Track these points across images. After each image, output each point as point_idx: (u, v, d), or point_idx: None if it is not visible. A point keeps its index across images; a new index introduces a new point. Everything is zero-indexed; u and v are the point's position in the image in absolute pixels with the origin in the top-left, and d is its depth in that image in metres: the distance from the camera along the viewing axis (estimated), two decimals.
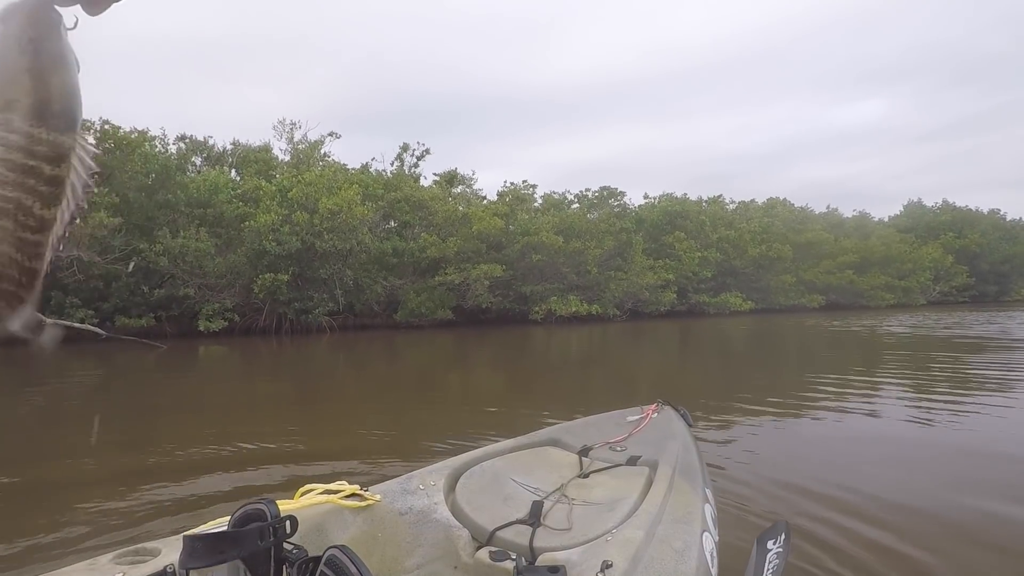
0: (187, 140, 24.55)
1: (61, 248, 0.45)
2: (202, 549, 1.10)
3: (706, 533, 1.60)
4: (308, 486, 1.55)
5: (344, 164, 26.02)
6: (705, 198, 35.52)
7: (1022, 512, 2.97)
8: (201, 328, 17.76)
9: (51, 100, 0.40)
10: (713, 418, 5.13)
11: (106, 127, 17.80)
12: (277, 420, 5.74)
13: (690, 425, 2.42)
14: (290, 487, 3.28)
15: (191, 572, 1.13)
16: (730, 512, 2.76)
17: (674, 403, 2.57)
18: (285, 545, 1.19)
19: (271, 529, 1.17)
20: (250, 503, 1.22)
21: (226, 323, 18.41)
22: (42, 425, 5.74)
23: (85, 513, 2.75)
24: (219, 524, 1.32)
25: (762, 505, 3.00)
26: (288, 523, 1.20)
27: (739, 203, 39.81)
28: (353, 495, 1.58)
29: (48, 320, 0.46)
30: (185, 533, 1.15)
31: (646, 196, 34.92)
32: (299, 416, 6.03)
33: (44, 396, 7.67)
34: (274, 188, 20.03)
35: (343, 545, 1.14)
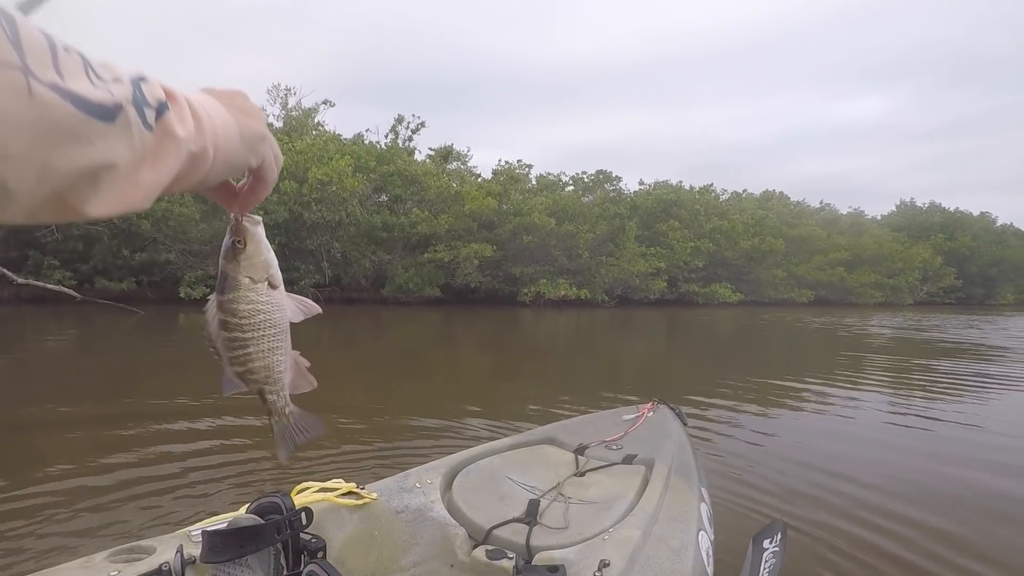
0: None
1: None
2: (222, 545, 1.13)
3: (702, 532, 1.63)
4: (304, 484, 1.55)
5: (338, 134, 25.58)
6: (697, 187, 35.61)
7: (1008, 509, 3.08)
8: (182, 295, 17.57)
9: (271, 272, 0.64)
10: (706, 415, 5.20)
11: None
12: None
13: (685, 424, 2.46)
14: (279, 476, 3.29)
15: (209, 567, 1.15)
16: (726, 511, 2.82)
17: (669, 402, 2.61)
18: (303, 536, 1.23)
19: (287, 522, 1.20)
20: (264, 497, 1.24)
21: (208, 291, 18.10)
22: (24, 403, 5.67)
23: (77, 510, 2.72)
24: (224, 519, 1.32)
25: (758, 504, 3.07)
26: (304, 515, 1.24)
27: (731, 193, 39.96)
28: (349, 493, 1.58)
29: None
30: (205, 528, 1.17)
31: (641, 182, 34.95)
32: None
33: (22, 361, 7.56)
34: None
35: (323, 560, 1.17)
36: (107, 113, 0.30)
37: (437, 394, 6.27)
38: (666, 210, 29.78)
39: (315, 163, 19.36)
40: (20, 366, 7.20)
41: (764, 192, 42.40)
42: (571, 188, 31.11)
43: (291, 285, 19.31)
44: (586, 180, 32.25)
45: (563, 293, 23.16)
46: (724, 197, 38.54)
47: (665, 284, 27.12)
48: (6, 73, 0.25)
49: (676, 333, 16.33)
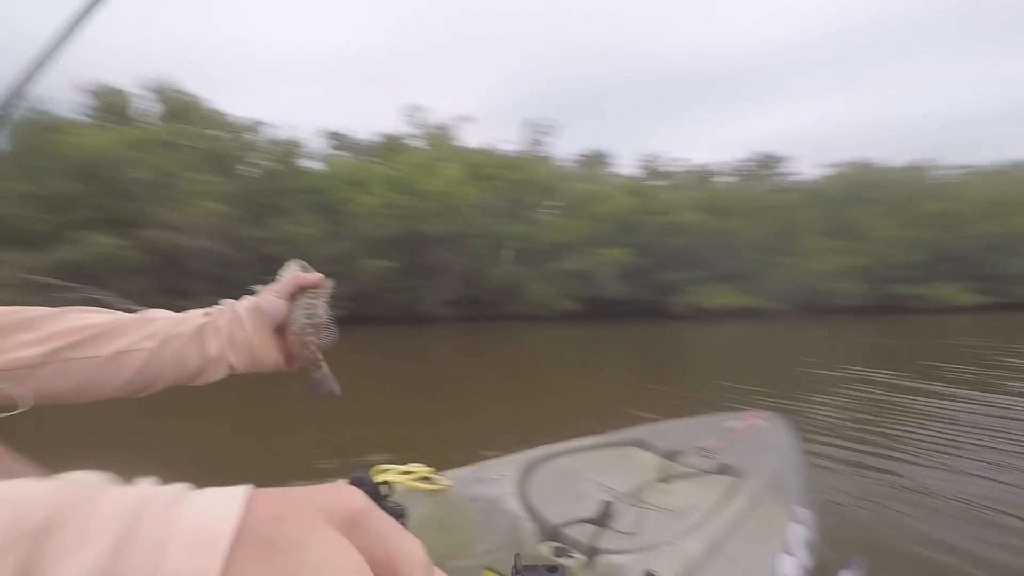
0: (338, 136, 27.38)
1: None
2: None
3: (786, 555, 1.65)
4: (383, 466, 1.87)
5: (467, 146, 27.33)
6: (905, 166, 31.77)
7: None
8: None
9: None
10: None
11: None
12: (384, 416, 6.43)
13: (799, 439, 2.43)
14: (353, 462, 3.79)
15: None
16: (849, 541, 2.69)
17: (783, 413, 2.59)
18: (386, 504, 1.53)
19: (373, 492, 1.51)
20: (353, 472, 1.58)
21: (339, 312, 20.31)
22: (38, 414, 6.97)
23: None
24: None
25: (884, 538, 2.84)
26: (387, 486, 1.55)
27: (959, 169, 34.94)
28: (425, 478, 1.87)
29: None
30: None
31: (825, 166, 32.21)
32: (406, 412, 6.67)
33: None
34: (385, 173, 21.71)
35: None
36: None
37: (564, 411, 6.49)
38: (858, 195, 27.09)
39: (432, 175, 20.81)
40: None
41: (1011, 163, 36.39)
42: (729, 179, 29.75)
43: (417, 303, 20.90)
44: (748, 169, 30.60)
45: (724, 301, 22.10)
46: (947, 174, 33.92)
47: (863, 286, 24.59)
48: None
49: (891, 350, 14.70)
